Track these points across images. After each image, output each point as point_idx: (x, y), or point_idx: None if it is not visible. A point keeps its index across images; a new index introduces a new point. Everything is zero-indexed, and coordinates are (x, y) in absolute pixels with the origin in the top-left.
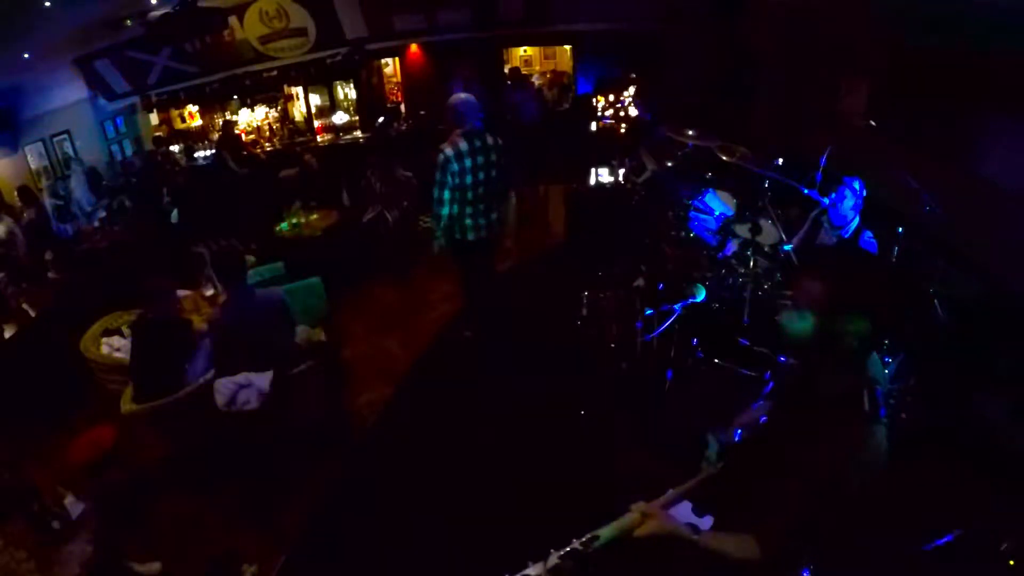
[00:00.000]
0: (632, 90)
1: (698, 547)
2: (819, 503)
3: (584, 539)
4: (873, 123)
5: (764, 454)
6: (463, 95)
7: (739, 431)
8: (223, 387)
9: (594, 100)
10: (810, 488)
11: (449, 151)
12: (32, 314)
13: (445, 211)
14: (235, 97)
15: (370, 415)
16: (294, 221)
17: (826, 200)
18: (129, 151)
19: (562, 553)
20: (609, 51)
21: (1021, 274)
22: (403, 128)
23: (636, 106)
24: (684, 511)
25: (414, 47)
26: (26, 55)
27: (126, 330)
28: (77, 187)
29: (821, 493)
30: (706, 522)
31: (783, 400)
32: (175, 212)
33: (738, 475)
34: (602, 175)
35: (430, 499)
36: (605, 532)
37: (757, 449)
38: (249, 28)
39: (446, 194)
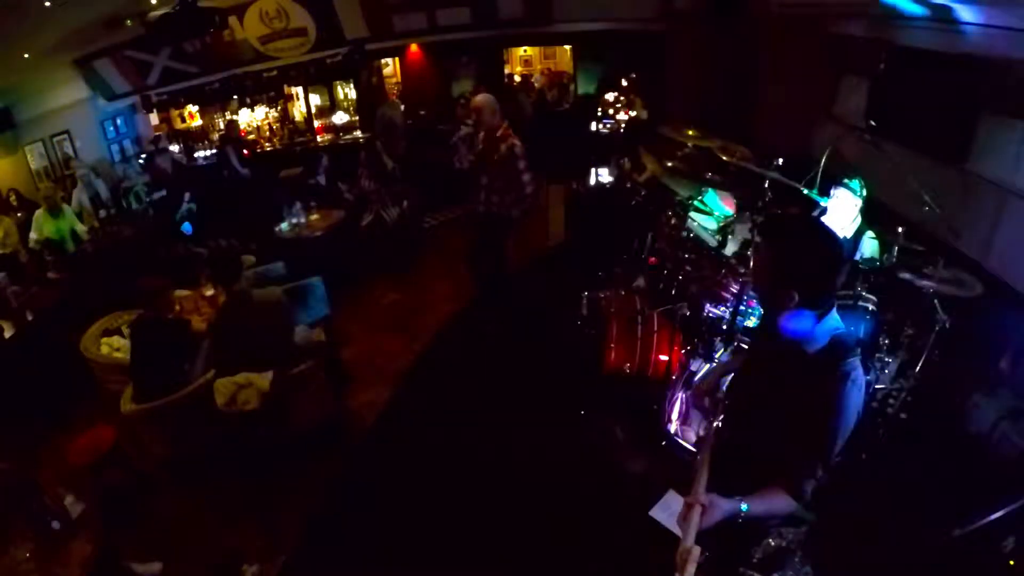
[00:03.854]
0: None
1: (748, 516)
2: (826, 442)
3: (684, 545)
4: (873, 123)
5: (761, 419)
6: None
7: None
8: (223, 387)
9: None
10: (814, 431)
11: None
12: (31, 314)
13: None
14: (235, 97)
15: (370, 415)
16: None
17: (826, 200)
18: (130, 151)
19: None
20: (609, 51)
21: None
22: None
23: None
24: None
25: (414, 47)
26: (26, 55)
27: (126, 330)
28: (82, 190)
29: (825, 433)
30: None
31: (764, 369)
32: (187, 224)
33: (739, 442)
34: (602, 175)
35: (430, 499)
36: (690, 538)
37: (753, 415)
38: (249, 28)
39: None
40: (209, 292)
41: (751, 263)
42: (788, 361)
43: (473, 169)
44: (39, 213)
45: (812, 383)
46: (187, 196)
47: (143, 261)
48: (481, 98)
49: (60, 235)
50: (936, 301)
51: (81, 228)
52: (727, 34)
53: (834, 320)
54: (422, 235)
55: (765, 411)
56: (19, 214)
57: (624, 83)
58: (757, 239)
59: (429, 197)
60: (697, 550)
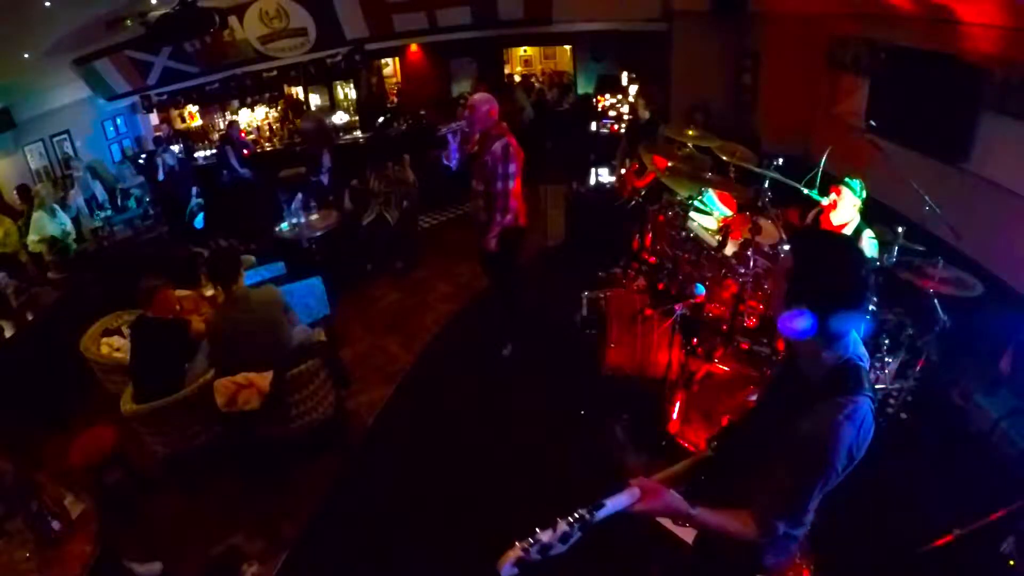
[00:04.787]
0: (633, 90)
1: (696, 522)
2: (807, 477)
3: (590, 507)
4: (873, 123)
5: (755, 439)
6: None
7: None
8: (223, 387)
9: (594, 100)
10: (796, 461)
11: (511, 143)
12: (31, 314)
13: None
14: (235, 97)
15: (370, 415)
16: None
17: (826, 200)
18: (130, 151)
19: (570, 519)
20: (609, 51)
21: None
22: (403, 128)
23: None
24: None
25: (414, 47)
26: (26, 55)
27: (126, 330)
28: (79, 191)
29: (807, 466)
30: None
31: (773, 389)
32: (200, 216)
33: (730, 460)
34: (602, 175)
35: (430, 499)
36: (609, 504)
37: (748, 434)
38: (249, 28)
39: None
40: (209, 292)
41: (750, 261)
42: (790, 381)
43: (468, 173)
44: (38, 214)
45: (807, 409)
46: (195, 191)
47: (143, 261)
48: (476, 96)
49: (59, 236)
50: (936, 301)
51: (80, 228)
52: (727, 34)
53: (849, 349)
54: (421, 235)
55: (758, 430)
56: (23, 212)
57: (624, 83)
58: (758, 237)
59: (429, 197)
60: (547, 535)
